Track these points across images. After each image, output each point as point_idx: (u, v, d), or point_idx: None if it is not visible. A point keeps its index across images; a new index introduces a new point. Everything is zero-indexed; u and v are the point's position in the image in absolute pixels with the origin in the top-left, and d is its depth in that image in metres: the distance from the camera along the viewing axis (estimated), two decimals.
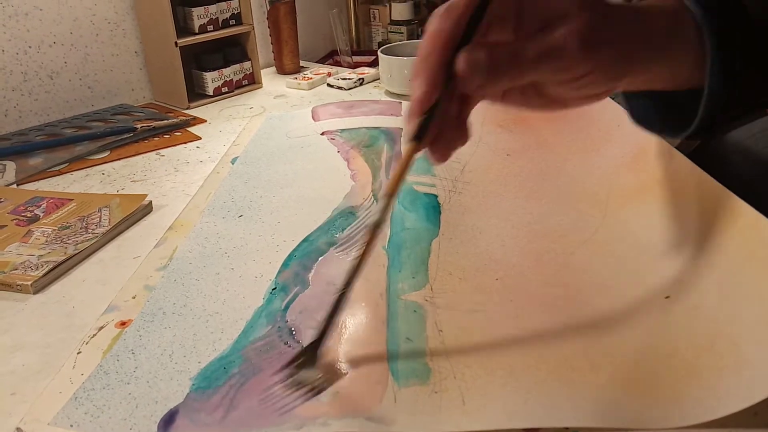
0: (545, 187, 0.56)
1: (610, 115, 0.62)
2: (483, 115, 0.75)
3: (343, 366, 0.35)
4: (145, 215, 0.58)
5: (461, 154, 0.63)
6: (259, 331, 0.39)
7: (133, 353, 0.38)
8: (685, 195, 0.45)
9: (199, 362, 0.37)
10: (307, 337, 0.38)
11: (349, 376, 0.34)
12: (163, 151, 0.74)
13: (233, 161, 0.67)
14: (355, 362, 0.35)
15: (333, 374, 0.34)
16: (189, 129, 0.81)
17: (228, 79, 0.93)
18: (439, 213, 0.52)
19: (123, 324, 0.41)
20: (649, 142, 0.53)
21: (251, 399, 0.34)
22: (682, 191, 0.45)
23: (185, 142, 0.76)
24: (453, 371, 0.34)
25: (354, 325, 0.38)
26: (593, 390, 0.33)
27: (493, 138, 0.68)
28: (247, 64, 0.95)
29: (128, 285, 0.46)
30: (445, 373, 0.34)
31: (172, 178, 0.66)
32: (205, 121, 0.84)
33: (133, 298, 0.44)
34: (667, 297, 0.39)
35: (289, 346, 0.37)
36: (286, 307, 0.41)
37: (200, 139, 0.77)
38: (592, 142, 0.61)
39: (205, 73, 0.91)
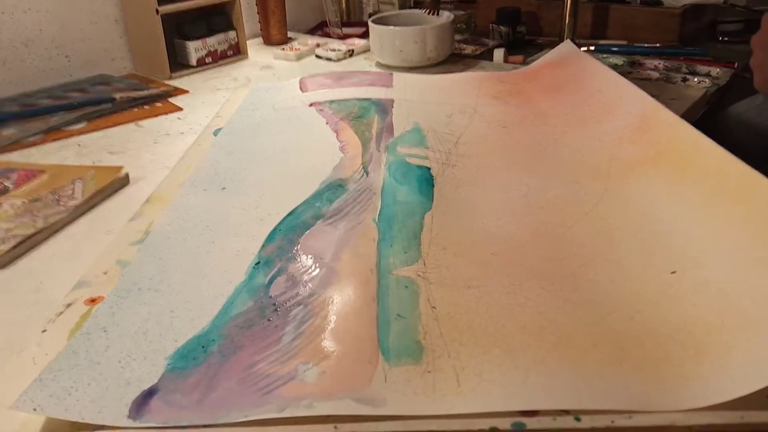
0: (543, 160, 0.53)
1: (611, 86, 0.60)
2: (478, 87, 0.72)
3: (329, 344, 0.33)
4: (122, 188, 0.55)
5: (455, 125, 0.61)
6: (241, 307, 0.37)
7: (105, 331, 0.35)
8: (692, 165, 0.42)
9: (175, 341, 0.34)
10: (291, 314, 0.36)
11: (336, 355, 0.32)
12: (142, 123, 0.71)
13: (216, 133, 0.64)
14: (343, 340, 0.33)
15: (319, 352, 0.32)
16: (170, 100, 0.77)
17: (212, 50, 0.89)
18: (432, 186, 0.49)
19: (93, 301, 0.39)
20: (652, 113, 0.50)
21: (231, 379, 0.31)
22: (689, 161, 0.43)
23: (166, 113, 0.73)
24: (447, 350, 0.32)
25: (342, 302, 0.36)
26: (596, 369, 0.31)
27: (489, 110, 0.66)
28: (232, 34, 0.92)
29: (100, 260, 0.43)
30: (438, 351, 0.32)
31: (151, 150, 0.63)
32: (187, 92, 0.80)
33: (105, 273, 0.41)
34: (673, 272, 0.37)
35: (272, 322, 0.35)
36: (270, 282, 0.39)
37: (181, 110, 0.74)
38: (591, 114, 0.59)
39: (188, 43, 0.87)
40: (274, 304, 0.37)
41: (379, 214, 0.45)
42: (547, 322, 0.34)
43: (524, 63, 0.86)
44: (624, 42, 0.97)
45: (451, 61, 0.88)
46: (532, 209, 0.46)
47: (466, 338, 0.33)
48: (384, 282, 0.38)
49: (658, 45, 0.94)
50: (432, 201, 0.47)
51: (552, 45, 0.85)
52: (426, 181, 0.50)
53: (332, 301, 0.36)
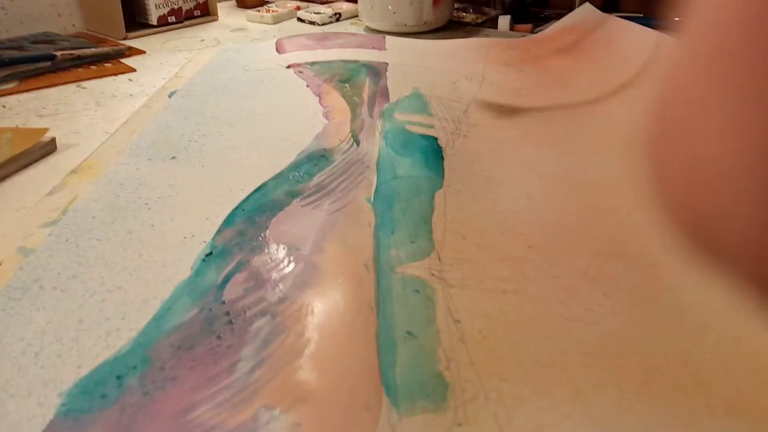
0: (577, 132, 0.43)
1: (649, 45, 0.49)
2: (485, 54, 0.61)
3: (307, 377, 0.22)
4: (45, 155, 0.43)
5: (462, 92, 0.50)
6: (180, 317, 0.25)
7: None
8: None
9: (79, 367, 0.23)
10: (252, 329, 0.25)
11: (318, 396, 0.21)
12: (85, 83, 0.59)
13: (171, 95, 0.52)
14: (328, 371, 0.22)
15: (291, 391, 0.21)
16: (123, 61, 0.65)
17: (176, 7, 0.77)
18: (442, 159, 0.39)
19: None
20: None
21: (156, 431, 0.20)
22: None
23: (115, 75, 0.61)
24: (483, 388, 0.22)
25: (326, 311, 0.25)
26: (709, 421, 0.20)
27: (500, 77, 0.55)
28: None
29: None
30: (470, 391, 0.21)
31: (90, 113, 0.52)
32: (144, 52, 0.68)
33: None
34: None
35: (223, 341, 0.24)
36: (225, 282, 0.27)
37: (134, 71, 0.62)
38: (629, 80, 0.48)
39: None
40: (228, 314, 0.25)
41: (375, 192, 0.34)
42: (624, 348, 0.23)
43: (532, 32, 0.75)
44: (640, 15, 0.87)
45: (450, 28, 0.77)
46: (573, 190, 0.35)
47: (510, 370, 0.22)
48: (385, 283, 0.27)
49: (677, 19, 0.84)
50: (443, 177, 0.36)
51: (560, 18, 0.74)
52: (434, 152, 0.39)
53: (312, 311, 0.25)
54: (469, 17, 0.83)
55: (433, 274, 0.28)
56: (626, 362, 0.23)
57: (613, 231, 0.31)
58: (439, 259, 0.29)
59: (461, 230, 0.31)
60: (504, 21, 0.77)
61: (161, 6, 0.75)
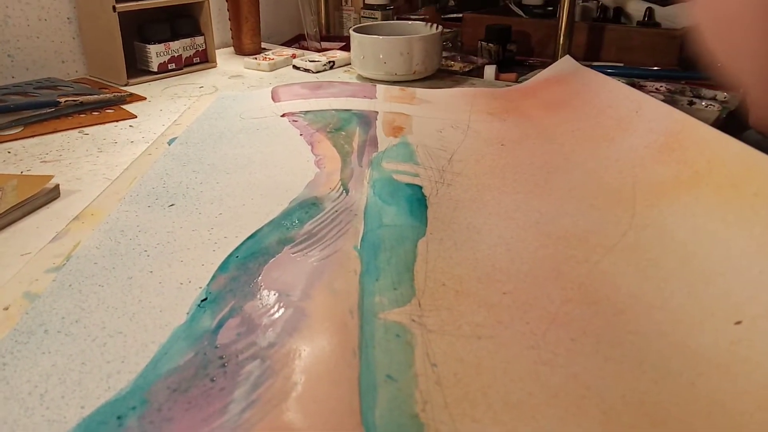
0: (553, 182, 0.46)
1: (624, 100, 0.52)
2: (471, 103, 0.65)
3: (293, 418, 0.24)
4: (50, 202, 0.45)
5: (447, 141, 0.53)
6: (176, 361, 0.27)
7: None
8: (744, 187, 0.35)
9: (82, 407, 0.25)
10: (244, 373, 0.26)
11: None
12: (87, 129, 0.61)
13: (170, 142, 0.55)
14: (313, 413, 0.24)
15: (279, 430, 0.23)
16: (124, 107, 0.68)
17: (176, 55, 0.81)
18: (426, 207, 0.41)
19: None
20: (682, 127, 0.43)
21: None
22: (739, 183, 0.35)
23: (116, 121, 0.64)
24: (456, 428, 0.23)
25: (313, 356, 0.27)
26: None
27: (484, 126, 0.58)
28: (199, 40, 0.83)
29: (3, 291, 0.33)
30: (444, 431, 0.23)
31: (92, 159, 0.54)
32: (145, 98, 0.71)
33: (6, 309, 0.32)
34: (738, 322, 0.29)
35: (217, 384, 0.26)
36: (218, 327, 0.29)
37: (135, 117, 0.65)
38: (604, 131, 0.51)
39: (148, 46, 0.78)
40: (221, 357, 0.27)
41: (362, 240, 0.37)
42: (585, 390, 0.25)
43: (517, 81, 0.79)
44: (620, 64, 0.91)
45: (438, 77, 0.80)
46: (547, 239, 0.38)
47: (481, 412, 0.24)
48: (368, 329, 0.29)
49: (656, 68, 0.88)
50: (426, 225, 0.39)
51: (545, 66, 0.78)
52: (418, 201, 0.42)
53: (299, 355, 0.27)
54: (456, 65, 0.86)
55: (413, 320, 0.30)
56: (587, 403, 0.25)
57: (583, 278, 0.33)
58: (420, 306, 0.31)
59: (441, 278, 0.33)
60: (490, 70, 0.81)
61: (162, 54, 0.79)
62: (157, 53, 0.78)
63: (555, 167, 0.48)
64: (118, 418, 0.24)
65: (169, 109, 0.68)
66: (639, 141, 0.46)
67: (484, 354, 0.28)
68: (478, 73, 0.84)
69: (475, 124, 0.58)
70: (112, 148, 0.57)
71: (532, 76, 0.75)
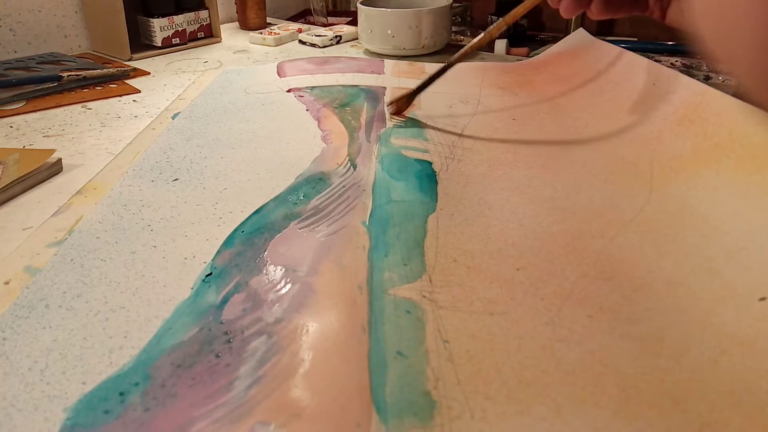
0: (566, 157, 0.44)
1: (641, 72, 0.51)
2: (481, 77, 0.63)
3: (301, 395, 0.23)
4: (52, 176, 0.45)
5: (457, 116, 0.52)
6: (180, 336, 0.27)
7: None
8: (767, 161, 0.34)
9: (83, 383, 0.24)
10: (249, 349, 0.26)
11: (311, 412, 0.22)
12: (91, 104, 0.60)
13: (175, 116, 0.54)
14: (321, 390, 0.23)
15: (286, 408, 0.22)
16: (127, 81, 0.67)
17: (180, 29, 0.79)
18: (435, 183, 0.40)
19: None
20: (702, 99, 0.42)
21: None
22: (762, 156, 0.34)
23: (120, 96, 0.63)
24: (469, 406, 0.23)
25: (320, 332, 0.26)
26: None
27: (495, 100, 0.56)
28: (204, 14, 0.82)
29: (4, 265, 0.33)
30: (456, 408, 0.23)
31: (95, 134, 0.53)
32: (149, 73, 0.70)
33: (6, 283, 0.31)
34: (762, 298, 0.28)
35: (222, 360, 0.25)
36: (224, 302, 0.29)
37: (139, 92, 0.64)
38: (619, 105, 0.50)
39: (152, 20, 0.77)
40: (227, 333, 0.27)
41: (370, 216, 0.36)
42: (603, 367, 0.25)
43: (528, 56, 0.77)
44: (634, 39, 0.89)
45: (447, 51, 0.79)
46: (562, 215, 0.36)
47: (495, 389, 0.23)
48: (378, 305, 0.28)
49: (671, 42, 0.86)
50: (436, 201, 0.38)
51: (556, 40, 0.76)
52: (427, 177, 0.40)
53: (306, 331, 0.26)
54: (466, 41, 0.85)
55: (424, 296, 0.29)
56: (605, 381, 0.24)
57: (599, 254, 0.32)
58: (431, 282, 0.30)
59: (452, 253, 0.32)
60: (500, 45, 0.79)
61: (166, 28, 0.77)
62: (161, 27, 0.77)
63: (568, 142, 0.47)
64: (121, 394, 0.24)
65: (173, 84, 0.67)
66: (656, 114, 0.45)
67: (497, 330, 0.27)
68: (488, 48, 0.82)
69: (486, 99, 0.57)
70: (115, 122, 0.56)
71: (544, 51, 0.73)
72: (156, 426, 0.22)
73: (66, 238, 0.35)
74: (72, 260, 0.32)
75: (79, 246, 0.34)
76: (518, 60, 0.74)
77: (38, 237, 0.35)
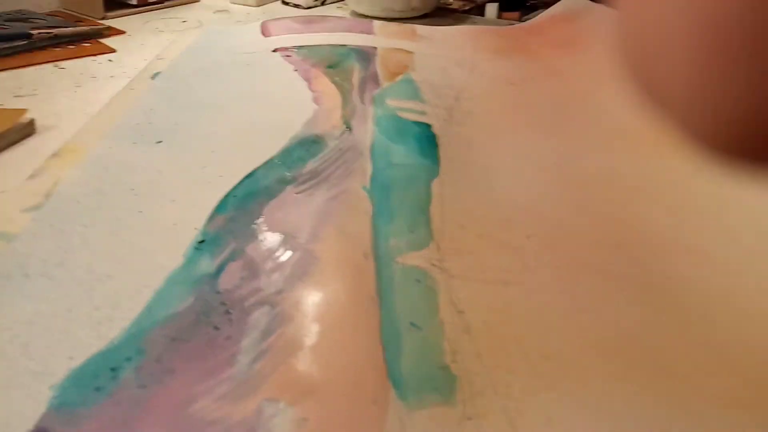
0: (569, 122, 0.43)
1: None
2: (474, 40, 0.61)
3: (311, 370, 0.21)
4: (24, 138, 0.42)
5: (452, 79, 0.49)
6: (174, 307, 0.25)
7: None
8: None
9: (70, 358, 0.22)
10: (251, 320, 0.24)
11: (323, 389, 0.20)
12: (63, 64, 0.57)
13: (155, 77, 0.51)
14: (332, 363, 0.21)
15: (295, 384, 0.21)
16: (102, 41, 0.63)
17: None
18: (436, 146, 0.38)
19: None
20: None
21: (154, 425, 0.20)
22: None
23: (94, 55, 0.59)
24: (491, 381, 0.21)
25: (326, 302, 0.24)
26: (716, 411, 0.20)
27: (490, 65, 0.54)
28: None
29: None
30: (478, 384, 0.21)
31: (70, 94, 0.50)
32: (124, 32, 0.66)
33: None
34: None
35: (221, 332, 0.23)
36: (219, 270, 0.27)
37: (114, 51, 0.60)
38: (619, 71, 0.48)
39: None
40: (225, 303, 0.25)
41: (371, 180, 0.34)
42: (629, 339, 0.23)
43: (520, 20, 0.75)
44: None
45: (436, 14, 0.76)
46: (569, 180, 0.35)
47: (517, 363, 0.22)
48: (386, 273, 0.26)
49: None
50: (438, 165, 0.36)
51: (549, 5, 0.74)
52: (428, 139, 0.39)
53: (312, 301, 0.24)
54: (456, 4, 0.82)
55: (433, 264, 0.27)
56: (632, 353, 0.23)
57: (611, 221, 0.31)
58: (439, 249, 0.28)
59: (459, 219, 0.31)
60: (491, 8, 0.77)
61: None
62: None
63: (569, 107, 0.45)
64: (112, 369, 0.22)
65: (150, 44, 0.63)
66: None
67: (513, 300, 0.25)
68: (478, 12, 0.79)
69: (481, 63, 0.55)
70: (90, 83, 0.52)
71: (537, 15, 0.71)
72: (153, 404, 0.20)
73: (43, 203, 0.32)
74: (51, 225, 0.30)
75: (58, 211, 0.31)
76: (510, 24, 0.71)
77: (12, 201, 0.33)
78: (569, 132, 0.41)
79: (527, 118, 0.44)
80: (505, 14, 0.78)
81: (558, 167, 0.37)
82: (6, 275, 0.26)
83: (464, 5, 0.82)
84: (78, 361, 0.22)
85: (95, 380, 0.21)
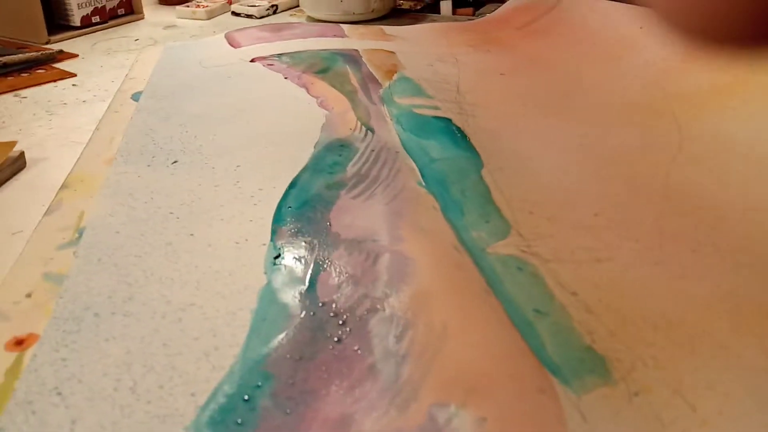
0: (575, 105, 0.44)
1: (621, 18, 0.51)
2: (445, 37, 0.61)
3: (467, 369, 0.20)
4: (17, 172, 0.38)
5: (443, 74, 0.50)
6: (281, 326, 0.23)
7: (59, 395, 0.20)
8: None
9: (192, 395, 0.20)
10: (370, 328, 0.23)
11: (485, 386, 0.20)
12: (24, 92, 0.52)
13: (135, 97, 0.48)
14: (484, 360, 0.21)
15: (456, 384, 0.20)
16: (56, 66, 0.59)
17: (99, 5, 0.71)
18: (467, 138, 0.38)
19: (20, 343, 0.23)
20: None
21: None
22: None
23: (54, 81, 0.55)
24: (636, 355, 0.21)
25: (442, 300, 0.24)
26: None
27: (471, 58, 0.55)
28: None
29: (14, 277, 0.27)
30: (626, 360, 0.21)
31: (45, 123, 0.46)
32: (77, 56, 0.62)
33: (28, 296, 0.26)
34: None
35: (345, 344, 0.22)
36: (312, 283, 0.25)
37: (75, 75, 0.56)
38: (605, 52, 0.50)
39: None
40: (335, 315, 0.23)
41: (423, 176, 0.33)
42: (736, 298, 0.24)
43: (474, 15, 0.76)
44: None
45: (393, 15, 0.76)
46: (601, 159, 0.36)
47: (650, 334, 0.22)
48: (485, 264, 0.26)
49: None
50: (478, 155, 0.36)
51: (501, 1, 0.76)
52: (456, 132, 0.38)
53: (427, 299, 0.24)
54: (407, 4, 0.82)
55: (523, 251, 0.27)
56: (746, 310, 0.23)
57: (664, 191, 0.32)
58: (521, 236, 0.28)
59: (524, 206, 0.31)
60: (446, 6, 0.78)
61: (84, 5, 0.69)
62: (78, 5, 0.68)
63: (568, 91, 0.46)
64: (246, 400, 0.20)
65: (110, 65, 0.60)
66: (653, 56, 0.45)
67: (614, 276, 0.25)
68: (430, 9, 0.80)
69: (462, 57, 0.55)
70: (62, 109, 0.49)
71: (491, 10, 0.72)
72: (307, 428, 0.19)
73: (78, 238, 0.29)
74: (99, 260, 0.28)
75: (100, 243, 0.29)
76: (469, 20, 0.73)
77: (42, 240, 0.30)
78: (579, 114, 0.42)
79: (535, 105, 0.44)
80: (459, 10, 0.79)
81: (583, 148, 0.37)
82: (75, 319, 0.24)
83: (415, 5, 0.82)
84: (203, 397, 0.20)
85: (233, 414, 0.20)
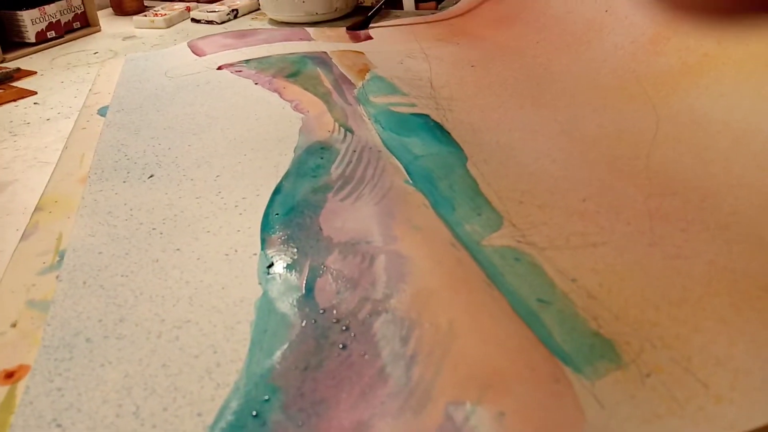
0: (548, 92, 0.44)
1: (585, 3, 0.52)
2: (412, 32, 0.61)
3: (480, 365, 0.20)
4: None
5: (415, 70, 0.49)
6: (284, 337, 0.22)
7: (59, 426, 0.19)
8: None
9: (199, 414, 0.20)
10: (374, 332, 0.22)
11: (499, 381, 0.19)
12: None
13: (102, 112, 0.46)
14: (495, 354, 0.20)
15: (469, 381, 0.19)
16: (14, 84, 0.57)
17: (54, 20, 0.69)
18: (448, 133, 0.38)
19: (10, 376, 0.22)
20: (675, 14, 0.43)
21: None
22: (763, 55, 0.36)
23: (14, 100, 0.53)
24: (643, 337, 0.21)
25: (444, 296, 0.23)
26: None
27: (440, 51, 0.55)
28: (76, 1, 0.71)
29: None
30: (634, 342, 0.21)
31: (9, 144, 0.44)
32: (35, 73, 0.60)
33: (13, 326, 0.25)
34: None
35: (351, 349, 0.22)
36: (309, 290, 0.25)
37: (35, 93, 0.55)
38: (572, 37, 0.50)
39: (20, 13, 0.66)
40: (338, 321, 0.23)
41: (409, 174, 0.33)
42: (732, 274, 0.24)
43: (437, 9, 0.76)
44: None
45: (357, 13, 0.76)
46: (583, 144, 0.36)
47: (653, 315, 0.22)
48: (483, 258, 0.26)
49: None
50: (461, 149, 0.35)
51: None
52: (436, 128, 0.38)
53: (429, 298, 0.23)
54: (368, 1, 0.82)
55: (519, 241, 0.27)
56: (743, 285, 0.24)
57: (647, 173, 0.32)
58: (514, 226, 0.28)
59: (513, 196, 0.31)
60: (408, 1, 0.78)
61: (38, 21, 0.67)
62: (32, 20, 0.66)
63: (540, 78, 0.47)
64: (255, 415, 0.19)
65: (71, 80, 0.58)
66: (622, 39, 0.46)
67: (611, 260, 0.25)
68: (392, 5, 0.80)
69: (431, 51, 0.55)
70: (26, 129, 0.47)
71: (454, 2, 0.73)
72: None
73: (60, 261, 0.28)
74: (84, 283, 0.27)
75: (84, 266, 0.28)
76: (432, 13, 0.72)
77: (21, 265, 0.28)
78: (555, 101, 0.42)
79: (510, 94, 0.44)
80: (422, 5, 0.79)
81: (563, 134, 0.37)
82: (66, 346, 0.23)
83: (377, 1, 0.82)
84: (210, 416, 0.20)
85: (244, 431, 0.19)
